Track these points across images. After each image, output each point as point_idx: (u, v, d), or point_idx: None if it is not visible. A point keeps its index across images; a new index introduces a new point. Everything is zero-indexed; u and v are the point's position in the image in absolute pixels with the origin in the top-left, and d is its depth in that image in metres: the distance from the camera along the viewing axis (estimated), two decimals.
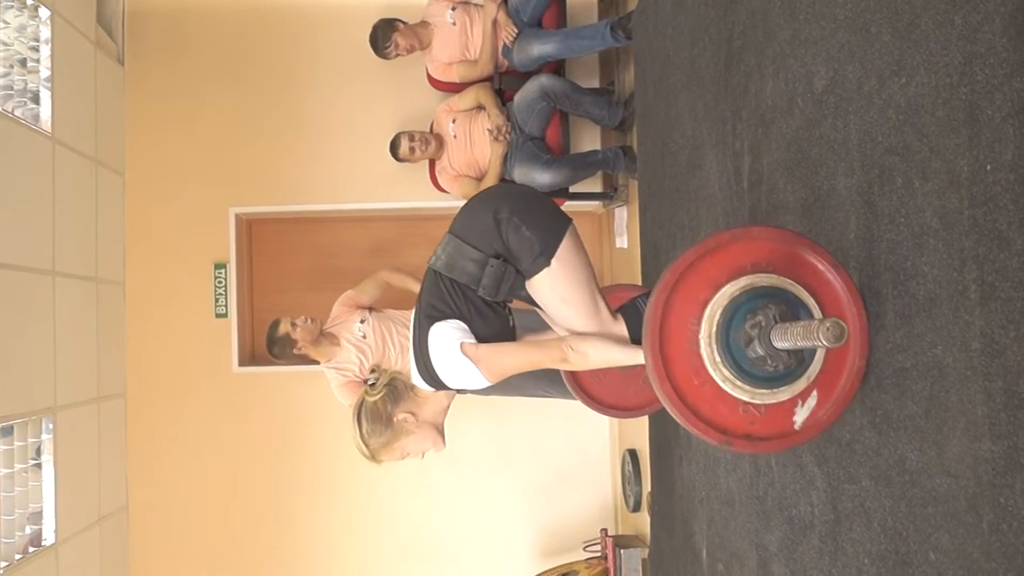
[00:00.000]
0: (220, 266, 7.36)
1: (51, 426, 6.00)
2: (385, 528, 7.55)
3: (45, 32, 6.10)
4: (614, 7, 6.98)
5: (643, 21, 5.67)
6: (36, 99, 6.05)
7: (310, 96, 7.52)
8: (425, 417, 3.57)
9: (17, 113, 5.79)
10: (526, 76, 6.63)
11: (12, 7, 5.83)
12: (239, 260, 7.42)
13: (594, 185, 7.15)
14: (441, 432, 3.66)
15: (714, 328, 2.52)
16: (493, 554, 7.60)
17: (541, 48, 6.45)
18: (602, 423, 7.60)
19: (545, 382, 5.60)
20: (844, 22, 2.89)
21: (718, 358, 2.49)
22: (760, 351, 2.45)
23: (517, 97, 6.59)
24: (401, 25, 6.77)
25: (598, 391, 4.46)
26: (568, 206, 7.11)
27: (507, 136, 6.49)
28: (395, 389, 3.55)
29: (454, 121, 6.78)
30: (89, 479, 6.62)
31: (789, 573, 3.46)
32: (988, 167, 2.15)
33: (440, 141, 6.86)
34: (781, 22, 3.38)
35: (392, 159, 6.89)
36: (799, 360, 2.52)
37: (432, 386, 3.45)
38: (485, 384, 3.39)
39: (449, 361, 3.35)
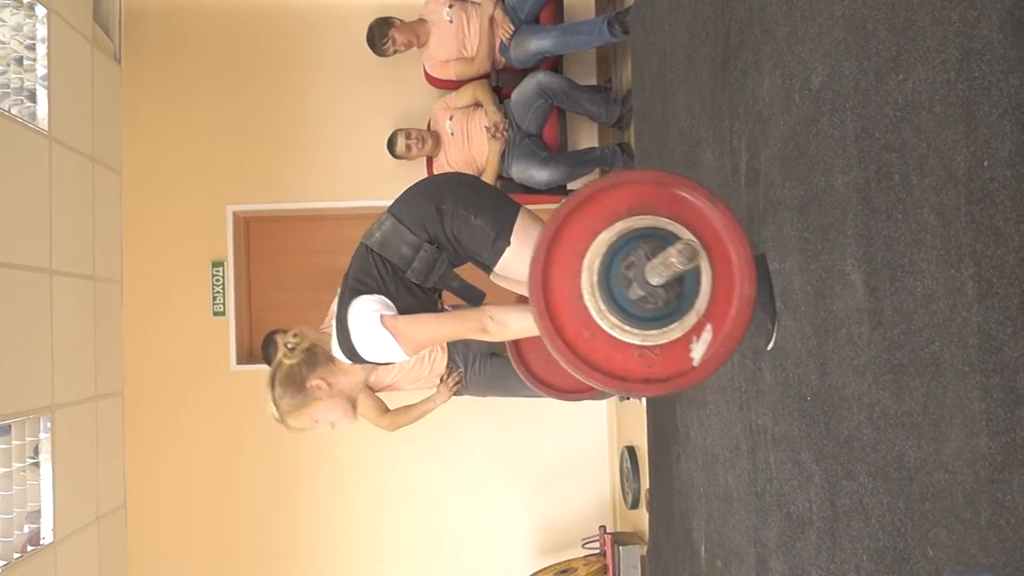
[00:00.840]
0: (218, 264, 7.36)
1: (49, 425, 5.99)
2: (384, 526, 7.55)
3: (41, 30, 6.09)
4: (611, 2, 6.98)
5: (640, 17, 5.67)
6: (32, 97, 6.05)
7: (308, 94, 7.52)
8: (340, 387, 3.50)
9: (13, 111, 5.79)
10: (523, 73, 6.63)
11: (8, 5, 5.83)
12: (237, 258, 7.42)
13: None
14: (354, 405, 3.58)
15: (595, 277, 2.48)
16: (492, 551, 7.60)
17: (538, 44, 6.45)
18: (600, 421, 7.61)
19: None
20: (841, 19, 2.89)
21: (603, 306, 2.46)
22: (640, 292, 2.43)
23: (514, 94, 6.59)
24: (398, 22, 6.78)
25: (545, 373, 4.48)
26: None
27: (504, 133, 6.49)
28: (313, 355, 3.50)
29: (451, 118, 6.78)
30: (87, 478, 6.61)
31: (787, 569, 3.46)
32: (985, 163, 2.16)
33: (437, 138, 6.86)
34: (778, 19, 3.38)
35: (390, 156, 6.90)
36: (678, 294, 2.49)
37: (349, 358, 3.41)
38: (402, 357, 3.37)
39: (368, 333, 3.33)
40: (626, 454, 6.86)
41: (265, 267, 7.71)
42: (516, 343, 4.50)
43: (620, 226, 2.53)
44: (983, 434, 2.19)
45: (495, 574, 7.53)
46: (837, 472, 3.00)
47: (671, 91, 4.92)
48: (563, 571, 6.84)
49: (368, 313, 3.34)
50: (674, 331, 2.48)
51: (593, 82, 7.30)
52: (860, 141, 2.77)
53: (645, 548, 6.26)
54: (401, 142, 6.78)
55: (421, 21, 6.85)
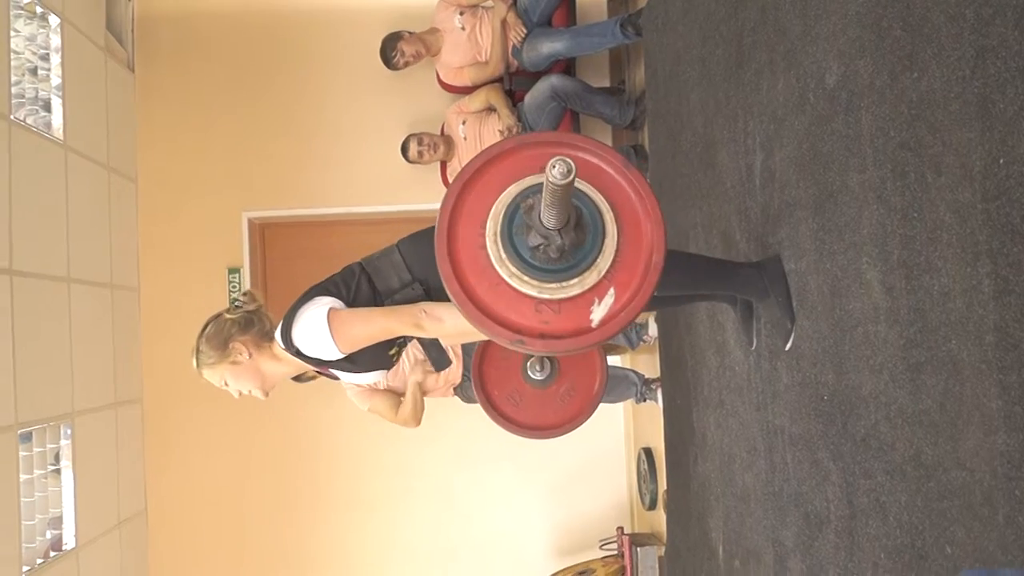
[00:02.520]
0: (234, 271, 7.38)
1: (69, 432, 6.02)
2: (403, 529, 7.56)
3: (55, 40, 6.12)
4: (624, 4, 6.98)
5: (653, 18, 5.68)
6: (47, 107, 6.07)
7: (322, 100, 7.53)
8: (260, 366, 3.51)
9: (29, 121, 5.81)
10: (536, 76, 6.64)
11: (22, 15, 5.85)
12: (252, 264, 7.44)
13: None
14: (266, 388, 3.58)
15: (498, 227, 2.47)
16: (510, 553, 7.60)
17: (551, 46, 6.46)
18: (617, 422, 7.62)
19: None
20: (855, 17, 2.89)
21: (503, 255, 2.43)
22: (538, 238, 2.42)
23: (527, 97, 6.60)
24: (406, 34, 6.80)
25: (515, 414, 4.47)
26: None
27: None
28: (249, 321, 3.52)
29: (464, 123, 6.79)
30: (108, 484, 6.64)
31: (806, 569, 3.46)
32: (1001, 161, 2.16)
33: (450, 143, 6.87)
34: (792, 18, 3.39)
35: (404, 162, 6.92)
36: (576, 243, 2.47)
37: (284, 344, 3.39)
38: (336, 354, 3.33)
39: (310, 325, 3.32)
40: (643, 455, 6.86)
41: (281, 273, 7.73)
42: (481, 375, 4.49)
43: (530, 180, 2.51)
44: (1001, 431, 2.19)
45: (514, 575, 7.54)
46: (854, 471, 3.00)
47: (685, 92, 4.93)
48: (581, 572, 6.85)
49: (321, 306, 3.33)
50: (573, 287, 2.45)
51: (606, 84, 7.30)
52: (875, 140, 2.77)
53: (663, 549, 6.26)
54: (414, 147, 6.80)
55: (432, 30, 6.86)
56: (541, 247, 2.39)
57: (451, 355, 5.70)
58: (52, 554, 5.82)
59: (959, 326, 2.35)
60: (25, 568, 5.40)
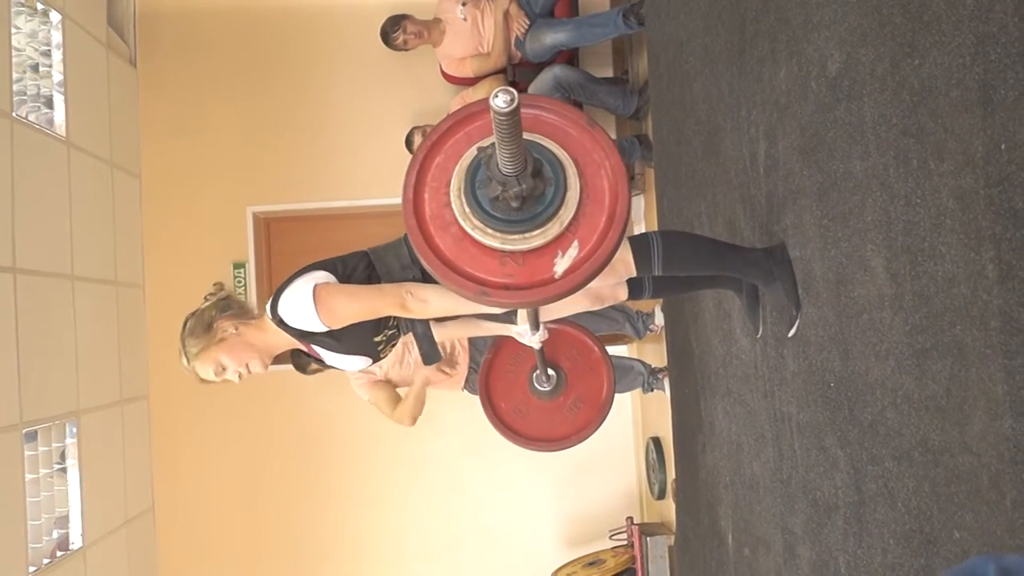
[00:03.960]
0: (239, 265, 7.38)
1: (75, 430, 6.03)
2: (413, 521, 7.57)
3: (56, 36, 6.12)
4: None
5: (655, 8, 5.67)
6: (49, 104, 6.08)
7: (325, 93, 7.54)
8: (250, 339, 3.50)
9: (31, 118, 5.82)
10: (539, 67, 6.63)
11: (23, 12, 5.85)
12: (258, 259, 7.45)
13: None
14: (264, 360, 3.56)
15: (462, 182, 2.48)
16: (519, 544, 7.61)
17: (554, 37, 6.45)
18: (626, 412, 7.62)
19: None
20: (856, 5, 2.89)
21: (467, 208, 2.44)
22: (497, 187, 2.43)
23: (531, 88, 6.59)
24: (411, 16, 6.80)
25: (523, 426, 4.48)
26: None
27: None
28: (226, 303, 3.55)
29: None
30: (114, 482, 6.65)
31: (815, 556, 3.46)
32: (1003, 146, 2.16)
33: None
34: (794, 6, 3.38)
35: (408, 154, 6.91)
36: (536, 190, 2.46)
37: (271, 313, 3.40)
38: (318, 327, 3.33)
39: (297, 292, 3.33)
40: (651, 445, 6.87)
41: (286, 267, 7.68)
42: (487, 387, 4.50)
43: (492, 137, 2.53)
44: (1007, 416, 2.19)
45: (524, 567, 7.54)
46: (862, 457, 3.00)
47: (688, 81, 4.92)
48: (591, 563, 6.86)
49: (308, 280, 3.34)
50: (536, 238, 2.45)
51: (609, 74, 7.30)
52: (877, 127, 2.77)
53: (672, 538, 6.27)
54: (418, 139, 6.80)
55: (436, 20, 6.86)
56: (500, 196, 2.39)
57: (457, 350, 5.72)
58: (59, 554, 5.83)
59: (964, 311, 2.35)
60: (32, 568, 5.41)
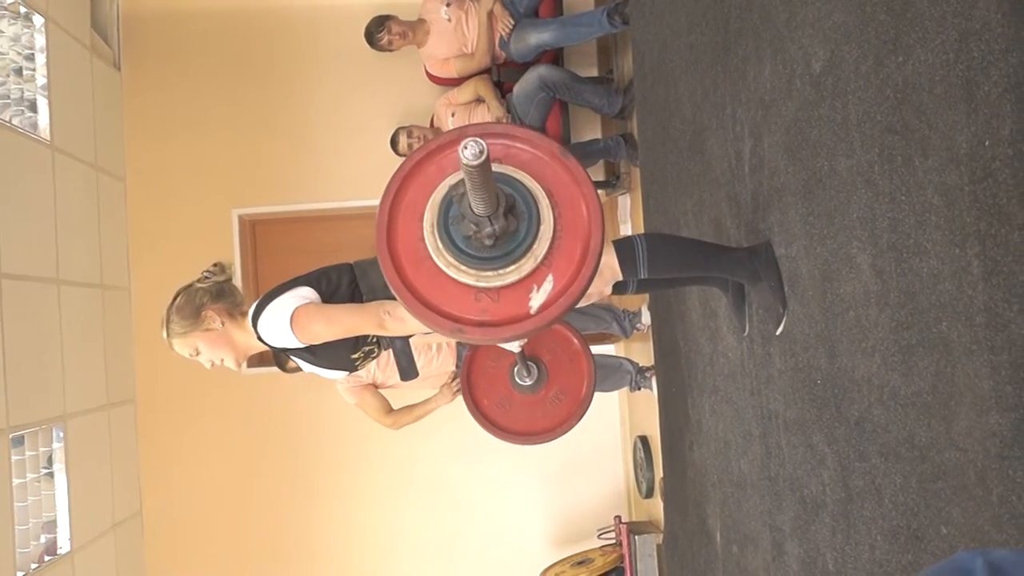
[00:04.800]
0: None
1: (62, 434, 6.02)
2: (401, 523, 7.57)
3: (40, 40, 6.10)
4: None
5: (640, 7, 5.68)
6: (33, 107, 6.06)
7: (310, 95, 7.53)
8: (232, 336, 3.54)
9: (15, 122, 5.80)
10: (524, 67, 6.63)
11: (6, 16, 5.84)
12: (244, 261, 7.43)
13: (596, 174, 7.16)
14: (239, 359, 3.61)
15: (435, 218, 2.48)
16: (508, 544, 7.62)
17: (539, 37, 6.45)
18: (612, 411, 7.63)
19: None
20: (840, 3, 2.89)
21: (440, 245, 2.44)
22: (471, 226, 2.43)
23: (516, 88, 6.59)
24: (395, 16, 6.80)
25: (506, 421, 4.49)
26: None
27: None
28: (222, 290, 3.57)
29: (453, 115, 6.79)
30: (102, 486, 6.63)
31: (803, 552, 3.47)
32: (986, 142, 2.16)
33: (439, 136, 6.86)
34: (777, 4, 3.39)
35: (393, 155, 6.91)
36: (509, 228, 2.46)
37: (252, 323, 3.43)
38: (293, 343, 3.36)
39: (276, 313, 3.36)
40: (639, 444, 6.87)
41: (272, 269, 7.72)
42: (469, 383, 4.51)
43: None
44: (993, 411, 2.20)
45: (513, 567, 7.54)
46: (849, 454, 3.01)
47: (673, 80, 4.93)
48: (580, 562, 6.86)
49: (289, 302, 3.37)
50: (510, 275, 2.45)
51: (594, 73, 7.30)
52: (862, 124, 2.78)
53: (661, 536, 6.28)
54: (403, 140, 6.80)
55: (420, 21, 6.85)
56: (474, 235, 2.40)
57: (448, 353, 5.72)
58: (47, 558, 5.82)
59: (949, 308, 2.36)
60: (20, 573, 5.40)
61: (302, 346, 3.40)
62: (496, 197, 2.32)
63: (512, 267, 2.44)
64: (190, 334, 3.52)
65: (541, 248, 2.46)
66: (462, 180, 2.36)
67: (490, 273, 2.44)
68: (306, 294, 3.39)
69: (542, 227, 2.46)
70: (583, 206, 2.52)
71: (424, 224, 2.49)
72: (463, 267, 2.44)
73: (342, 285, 3.50)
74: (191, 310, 3.51)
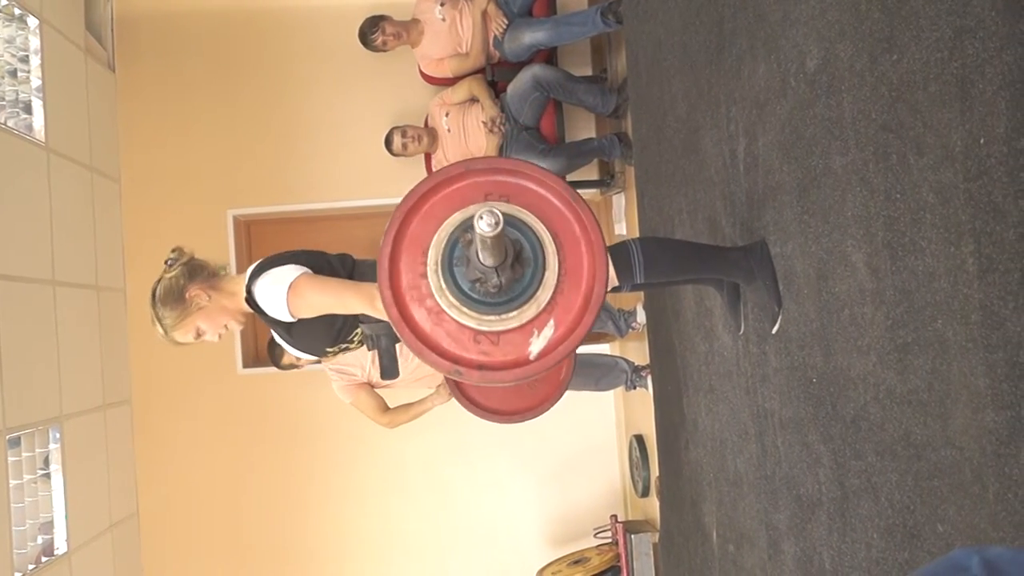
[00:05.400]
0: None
1: (58, 435, 6.01)
2: (397, 523, 7.57)
3: (34, 42, 6.10)
4: None
5: (634, 6, 5.67)
6: (28, 109, 6.05)
7: (304, 95, 7.52)
8: (222, 303, 3.57)
9: (10, 124, 5.79)
10: (518, 67, 6.63)
11: (0, 18, 5.83)
12: (239, 262, 7.43)
13: (591, 173, 7.16)
14: (239, 320, 3.65)
15: (440, 256, 2.48)
16: (505, 544, 7.62)
17: (532, 36, 6.45)
18: (608, 410, 7.63)
19: None
20: (834, 1, 2.89)
21: (443, 285, 2.45)
22: (476, 272, 2.43)
23: (510, 88, 6.60)
24: (389, 16, 6.79)
25: (485, 400, 4.51)
26: None
27: (502, 127, 6.50)
28: (192, 268, 3.59)
29: (447, 115, 6.78)
30: (98, 486, 6.63)
31: (799, 551, 3.47)
32: (982, 140, 2.17)
33: (434, 135, 6.87)
34: (771, 3, 3.39)
35: (388, 155, 6.92)
36: (513, 280, 2.47)
37: (247, 288, 3.48)
38: (283, 312, 3.39)
39: (278, 275, 3.41)
40: (635, 443, 6.87)
41: None
42: None
43: (473, 208, 2.51)
44: (988, 409, 2.20)
45: (509, 567, 7.55)
46: (845, 452, 3.01)
47: (667, 79, 4.93)
48: (576, 561, 6.86)
49: (296, 269, 3.42)
50: (512, 320, 2.46)
51: (588, 73, 7.30)
52: (857, 123, 2.78)
53: (657, 535, 6.28)
54: (397, 140, 6.80)
55: (414, 21, 6.85)
56: (479, 281, 2.40)
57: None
58: (44, 559, 5.81)
59: (945, 306, 2.36)
60: (17, 574, 5.39)
61: (288, 319, 3.42)
62: (505, 251, 2.33)
63: (514, 312, 2.46)
64: (186, 319, 3.54)
65: (545, 295, 2.47)
66: (471, 227, 2.36)
67: (492, 318, 2.45)
68: (304, 271, 3.42)
69: (547, 274, 2.48)
70: (589, 254, 2.53)
71: (428, 262, 2.50)
72: (465, 309, 2.45)
73: (338, 274, 3.51)
74: (175, 298, 3.53)
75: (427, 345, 2.49)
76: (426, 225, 2.56)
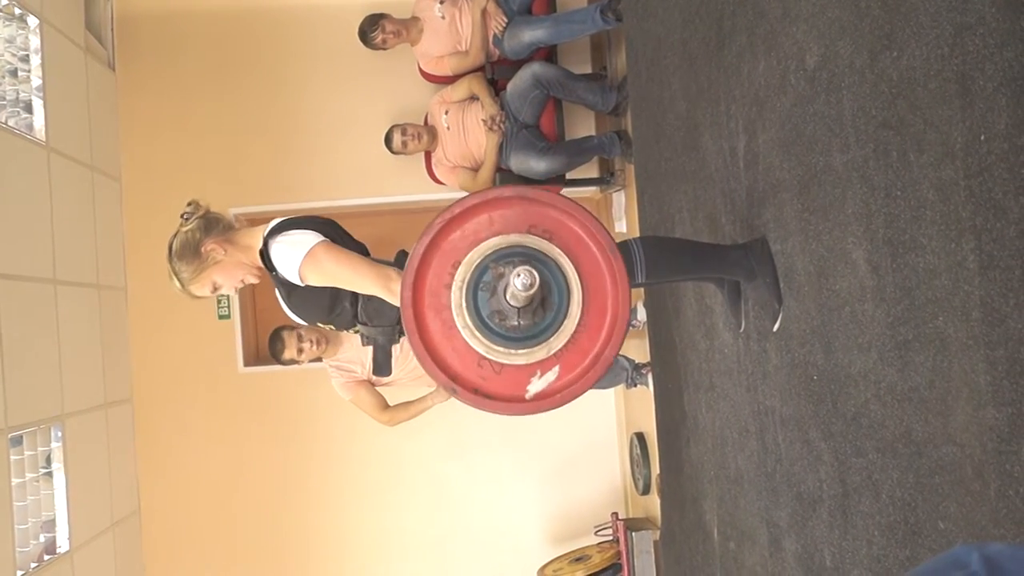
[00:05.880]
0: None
1: (60, 434, 6.01)
2: (397, 521, 7.56)
3: (34, 41, 6.09)
4: None
5: (633, 3, 5.67)
6: (29, 108, 6.05)
7: (304, 94, 7.51)
8: (240, 257, 3.60)
9: (10, 123, 5.79)
10: (518, 65, 6.63)
11: (0, 17, 5.83)
12: None
13: (591, 171, 7.16)
14: (256, 274, 3.67)
15: (468, 276, 2.49)
16: (505, 543, 7.61)
17: (532, 34, 6.45)
18: (609, 408, 7.63)
19: None
20: None
21: (464, 304, 2.46)
22: (496, 306, 2.44)
23: (510, 86, 6.59)
24: (388, 15, 6.79)
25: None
26: (566, 193, 7.13)
27: (502, 125, 6.49)
28: (208, 222, 3.61)
29: (447, 112, 6.78)
30: (100, 485, 6.63)
31: (800, 548, 3.47)
32: (982, 137, 2.17)
33: (434, 133, 6.86)
34: (771, 0, 3.39)
35: (388, 153, 6.91)
36: (535, 323, 2.49)
37: (265, 242, 3.53)
38: (293, 274, 3.42)
39: (299, 237, 3.45)
40: (635, 440, 6.87)
41: None
42: None
43: (514, 238, 2.53)
44: (989, 406, 2.20)
45: (509, 565, 7.54)
46: (846, 450, 3.01)
47: (667, 77, 4.93)
48: (577, 559, 6.87)
49: (312, 237, 3.45)
50: (519, 357, 2.48)
51: (588, 70, 7.29)
52: (857, 120, 2.78)
53: (658, 533, 6.28)
54: (397, 138, 6.80)
55: (414, 19, 6.85)
56: (499, 314, 2.42)
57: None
58: (46, 558, 5.81)
59: (945, 302, 2.36)
60: (19, 573, 5.39)
61: (296, 283, 3.46)
62: (532, 298, 2.35)
63: (524, 351, 2.47)
64: (202, 273, 3.57)
65: (558, 342, 2.50)
66: (508, 255, 2.38)
67: (501, 349, 2.46)
68: (326, 239, 3.46)
69: (566, 322, 2.50)
70: (612, 314, 2.55)
71: (456, 276, 2.51)
72: (478, 334, 2.47)
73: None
74: (191, 251, 3.56)
75: (432, 355, 2.51)
76: (464, 239, 2.57)
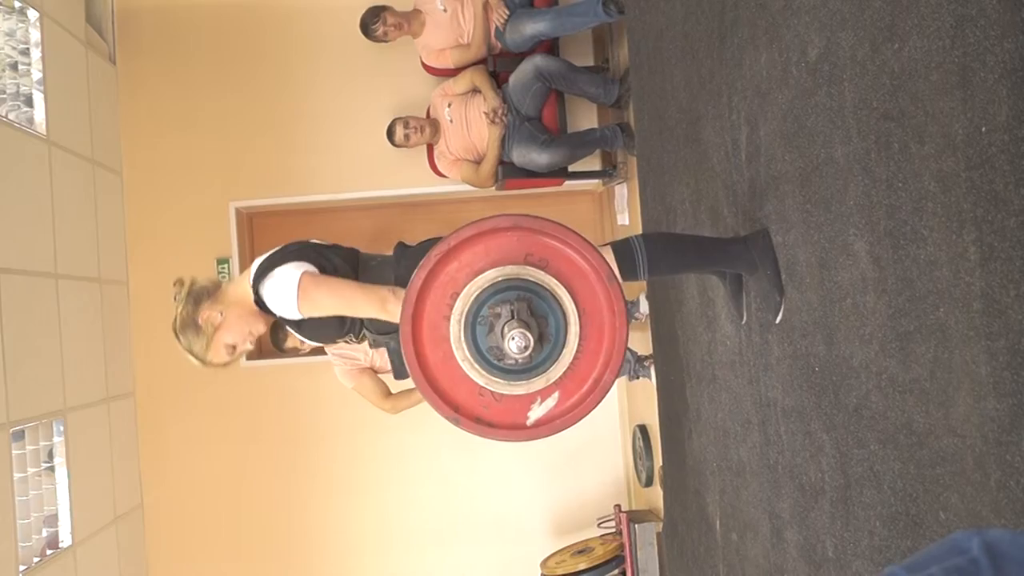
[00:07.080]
0: (223, 261, 7.36)
1: (62, 428, 6.01)
2: (401, 514, 7.57)
3: (35, 34, 6.09)
4: None
5: None
6: (29, 102, 6.05)
7: (306, 86, 7.51)
8: (237, 312, 3.60)
9: (11, 117, 5.79)
10: (520, 57, 6.63)
11: (0, 11, 5.83)
12: (241, 254, 7.43)
13: (593, 163, 7.16)
14: (262, 322, 3.67)
15: (466, 309, 2.51)
16: (508, 534, 7.62)
17: (534, 27, 6.44)
18: (611, 400, 7.62)
19: None
20: None
21: (463, 337, 2.49)
22: (494, 341, 2.46)
23: (512, 79, 6.59)
24: (390, 7, 6.79)
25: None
26: (568, 185, 7.17)
27: (504, 118, 6.49)
28: (194, 295, 3.62)
29: (450, 105, 6.78)
30: (103, 479, 6.64)
31: (802, 539, 3.48)
32: (983, 129, 2.17)
33: (436, 126, 6.86)
34: None
35: (390, 146, 6.91)
36: (531, 361, 2.51)
37: (254, 288, 3.52)
38: (293, 313, 3.42)
39: (283, 278, 3.42)
40: (638, 433, 6.88)
41: None
42: None
43: (510, 270, 2.55)
44: (990, 397, 2.21)
45: (512, 557, 7.55)
46: (848, 441, 3.01)
47: (669, 69, 4.93)
48: (580, 551, 6.87)
49: (299, 268, 3.43)
50: (518, 387, 2.50)
51: (590, 63, 7.29)
52: (858, 111, 2.78)
53: (661, 525, 6.29)
54: (400, 131, 6.79)
55: (415, 12, 6.84)
56: (497, 349, 2.44)
57: None
58: (49, 552, 5.81)
59: (946, 294, 2.36)
60: (22, 567, 5.40)
61: (298, 318, 3.47)
62: (528, 339, 2.37)
63: (523, 382, 2.49)
64: (211, 341, 3.60)
65: (556, 372, 2.52)
66: (505, 292, 2.40)
67: (500, 382, 2.48)
68: (310, 269, 3.43)
69: (564, 352, 2.51)
70: (610, 340, 2.57)
71: (454, 309, 2.53)
72: (477, 367, 2.48)
73: (340, 272, 3.53)
74: (192, 327, 3.60)
75: (433, 387, 2.53)
76: (461, 270, 2.59)
